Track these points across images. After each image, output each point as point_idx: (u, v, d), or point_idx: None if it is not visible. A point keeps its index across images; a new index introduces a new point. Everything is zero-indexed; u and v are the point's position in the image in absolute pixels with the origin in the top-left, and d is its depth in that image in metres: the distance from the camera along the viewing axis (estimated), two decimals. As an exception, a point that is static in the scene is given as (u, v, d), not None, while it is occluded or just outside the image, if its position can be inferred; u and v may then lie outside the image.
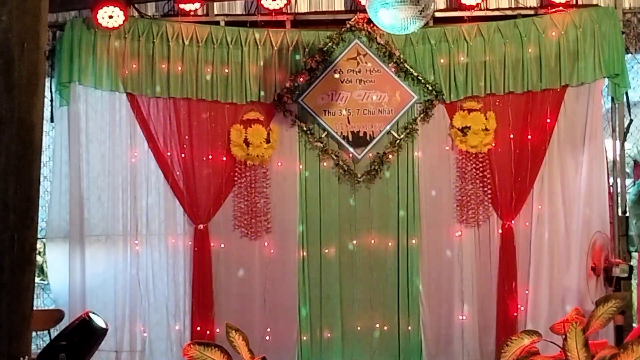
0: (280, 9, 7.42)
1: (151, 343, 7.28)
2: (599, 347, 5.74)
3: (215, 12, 7.60)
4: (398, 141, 7.41)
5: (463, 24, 7.46)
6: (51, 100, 7.23)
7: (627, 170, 7.89)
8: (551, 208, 7.40)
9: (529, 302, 7.35)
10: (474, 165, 7.39)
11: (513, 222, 7.38)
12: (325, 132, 7.44)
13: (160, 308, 7.31)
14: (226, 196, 7.39)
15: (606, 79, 7.40)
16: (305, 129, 7.41)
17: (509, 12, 7.55)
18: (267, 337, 7.28)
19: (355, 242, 7.39)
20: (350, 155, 7.44)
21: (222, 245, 7.37)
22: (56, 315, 6.92)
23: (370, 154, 7.43)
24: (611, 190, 7.47)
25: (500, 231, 7.38)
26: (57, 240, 7.23)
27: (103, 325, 5.86)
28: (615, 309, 5.93)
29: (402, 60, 7.40)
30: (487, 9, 7.59)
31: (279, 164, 7.43)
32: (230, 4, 7.61)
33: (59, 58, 7.22)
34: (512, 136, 7.40)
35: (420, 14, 5.83)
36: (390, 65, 7.43)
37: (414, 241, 7.34)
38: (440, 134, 7.45)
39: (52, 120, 7.26)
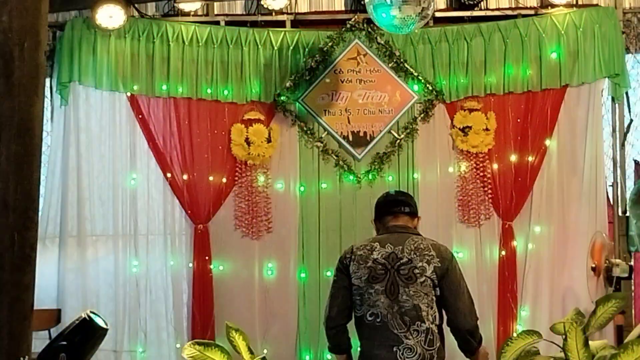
0: (281, 9, 7.44)
1: (151, 343, 7.28)
2: (598, 347, 5.74)
3: (215, 12, 7.60)
4: (398, 141, 7.41)
5: (463, 24, 7.47)
6: (51, 100, 7.23)
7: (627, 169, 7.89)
8: (551, 208, 7.40)
9: (529, 302, 7.36)
10: (475, 165, 7.40)
11: (513, 222, 7.39)
12: (325, 132, 7.44)
13: (160, 308, 7.31)
14: (226, 196, 7.39)
15: (606, 79, 7.41)
16: (305, 128, 7.42)
17: (509, 12, 7.55)
18: (267, 337, 7.28)
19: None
20: (351, 155, 7.44)
21: (223, 246, 7.37)
22: (56, 315, 6.93)
23: (371, 154, 7.43)
24: (612, 190, 7.48)
25: (500, 231, 7.38)
26: (56, 239, 7.23)
27: (103, 325, 5.85)
28: (615, 309, 5.93)
29: (402, 60, 7.41)
30: (487, 9, 7.59)
31: (279, 163, 7.43)
32: (230, 4, 7.61)
33: (59, 58, 7.22)
34: (512, 136, 7.40)
35: (420, 13, 5.84)
36: (390, 65, 7.43)
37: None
38: (441, 134, 7.45)
39: (52, 120, 7.27)
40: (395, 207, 4.54)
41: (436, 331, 4.35)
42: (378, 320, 4.33)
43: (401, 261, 4.33)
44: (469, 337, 4.43)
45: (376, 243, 4.43)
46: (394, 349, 4.28)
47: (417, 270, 4.31)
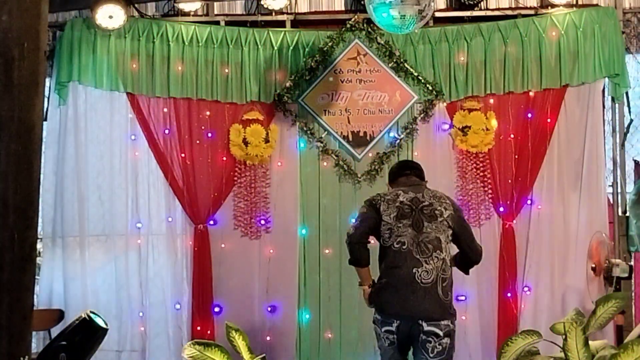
0: (281, 9, 7.45)
1: (151, 343, 7.28)
2: (598, 347, 5.74)
3: (215, 12, 7.60)
4: (398, 141, 7.41)
5: (463, 24, 7.47)
6: (50, 100, 7.23)
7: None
8: (551, 208, 7.40)
9: (529, 302, 7.36)
10: (475, 164, 7.40)
11: (514, 222, 7.39)
12: (325, 132, 7.45)
13: (160, 308, 7.32)
14: (226, 196, 7.39)
15: (606, 79, 7.41)
16: (305, 128, 7.42)
17: (509, 12, 7.56)
18: (267, 337, 7.28)
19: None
20: (351, 155, 7.44)
21: (222, 245, 7.38)
22: (56, 315, 6.93)
23: (371, 154, 7.44)
24: (611, 190, 7.48)
25: (500, 231, 7.38)
26: (57, 239, 7.23)
27: (103, 325, 5.87)
28: (615, 309, 5.93)
29: (402, 60, 7.41)
30: (487, 9, 7.59)
31: (279, 164, 7.44)
32: (230, 4, 7.62)
33: (58, 58, 7.22)
34: (512, 136, 7.41)
35: (420, 14, 5.84)
36: (390, 65, 7.43)
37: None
38: (441, 134, 7.45)
39: (52, 119, 7.26)
40: (406, 170, 5.51)
41: (448, 262, 5.21)
42: (404, 247, 5.14)
43: (423, 204, 5.23)
44: (472, 267, 5.47)
45: (400, 191, 5.32)
46: (414, 270, 5.10)
47: (437, 212, 5.22)
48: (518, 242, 7.38)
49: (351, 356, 7.35)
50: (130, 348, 7.21)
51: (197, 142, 7.37)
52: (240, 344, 5.82)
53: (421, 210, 5.21)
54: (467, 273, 5.57)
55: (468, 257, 5.39)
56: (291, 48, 7.42)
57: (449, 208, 5.28)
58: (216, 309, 7.29)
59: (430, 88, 7.40)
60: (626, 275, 6.83)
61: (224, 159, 7.39)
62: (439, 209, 5.23)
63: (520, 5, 7.56)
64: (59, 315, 6.90)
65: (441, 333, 5.08)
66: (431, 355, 5.08)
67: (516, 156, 7.40)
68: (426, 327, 5.06)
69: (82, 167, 7.28)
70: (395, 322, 5.13)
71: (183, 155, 7.34)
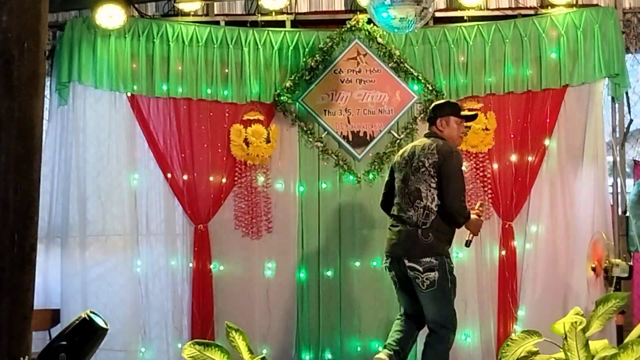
0: (281, 9, 7.45)
1: (151, 343, 7.29)
2: (598, 347, 5.74)
3: (215, 12, 7.61)
4: (398, 141, 7.41)
5: (463, 23, 7.47)
6: (50, 100, 7.23)
7: (627, 169, 7.89)
8: (551, 208, 7.39)
9: (529, 302, 7.35)
10: (475, 164, 7.40)
11: (513, 222, 7.39)
12: (325, 132, 7.45)
13: (160, 308, 7.31)
14: (226, 196, 7.39)
15: (606, 79, 7.41)
16: (305, 128, 7.42)
17: (509, 12, 7.56)
18: (267, 337, 7.28)
19: (356, 242, 7.38)
20: (351, 155, 7.44)
21: (223, 246, 7.37)
22: (56, 315, 6.92)
23: (371, 154, 7.44)
24: (612, 190, 7.48)
25: (500, 231, 7.38)
26: (56, 240, 7.23)
27: (103, 325, 5.86)
28: (615, 309, 5.93)
29: (402, 60, 7.41)
30: (487, 9, 7.59)
31: (279, 163, 7.44)
32: (230, 4, 7.62)
33: (58, 58, 7.22)
34: (512, 136, 7.41)
35: (420, 13, 5.84)
36: (390, 65, 7.43)
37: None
38: (441, 134, 7.44)
39: (51, 120, 7.26)
40: (429, 122, 6.04)
41: (434, 209, 5.66)
42: (397, 199, 5.86)
43: (414, 157, 5.77)
44: (456, 215, 5.68)
45: (409, 146, 5.97)
46: (403, 217, 5.73)
47: (420, 163, 5.71)
48: (518, 241, 7.38)
49: (350, 355, 7.35)
50: (130, 348, 7.20)
51: (197, 142, 7.37)
52: (240, 344, 5.82)
53: (411, 164, 5.78)
54: (456, 225, 5.77)
55: (442, 199, 5.64)
56: (291, 48, 7.42)
57: (434, 156, 5.69)
58: (216, 309, 7.29)
59: (430, 88, 7.40)
60: (626, 275, 6.83)
61: (224, 159, 7.39)
62: (422, 160, 5.70)
63: (520, 5, 7.56)
64: (59, 315, 6.90)
65: (421, 268, 5.59)
66: (423, 288, 5.62)
67: (516, 156, 7.40)
68: (407, 264, 5.64)
69: (82, 167, 7.27)
70: (388, 259, 5.82)
71: (183, 155, 7.34)
